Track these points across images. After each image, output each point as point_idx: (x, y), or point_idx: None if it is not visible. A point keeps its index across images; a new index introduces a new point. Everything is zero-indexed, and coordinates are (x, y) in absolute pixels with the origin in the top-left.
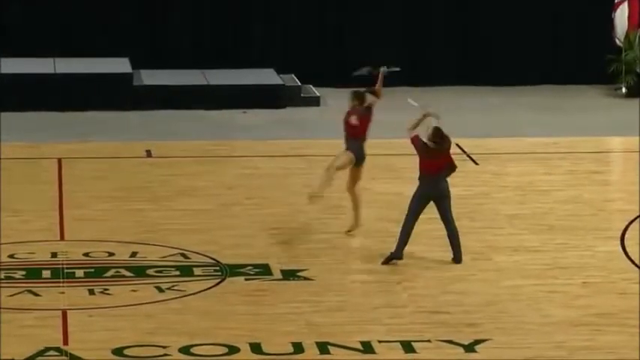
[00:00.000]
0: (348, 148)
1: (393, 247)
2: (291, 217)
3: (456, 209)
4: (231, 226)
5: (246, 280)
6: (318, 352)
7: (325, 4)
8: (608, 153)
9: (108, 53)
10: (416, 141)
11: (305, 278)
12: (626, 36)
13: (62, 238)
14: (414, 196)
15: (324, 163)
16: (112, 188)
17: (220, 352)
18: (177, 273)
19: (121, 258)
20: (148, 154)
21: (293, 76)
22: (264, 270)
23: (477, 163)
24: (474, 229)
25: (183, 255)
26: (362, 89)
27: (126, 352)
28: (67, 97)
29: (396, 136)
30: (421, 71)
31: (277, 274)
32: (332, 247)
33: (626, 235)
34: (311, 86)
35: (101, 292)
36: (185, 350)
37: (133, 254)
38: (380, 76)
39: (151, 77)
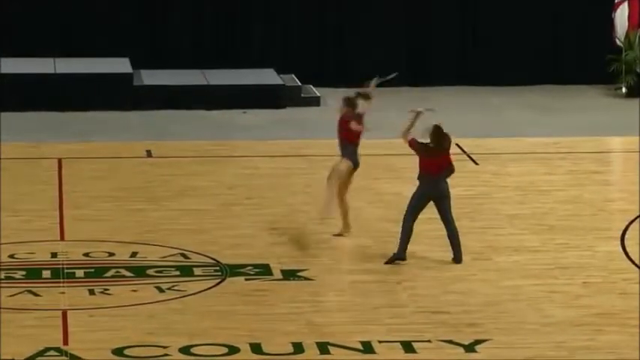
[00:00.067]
0: (343, 155)
1: (393, 247)
2: (291, 217)
3: (456, 209)
4: (231, 226)
5: (246, 280)
6: (318, 352)
7: (325, 4)
8: (609, 153)
9: (108, 53)
10: (413, 144)
11: (305, 278)
12: (626, 36)
13: (62, 238)
14: (413, 196)
15: (325, 163)
16: (112, 188)
17: (220, 352)
18: (178, 273)
19: (121, 258)
20: (148, 154)
21: (293, 76)
22: (264, 270)
23: (477, 163)
24: (474, 229)
25: (183, 255)
26: (352, 95)
27: (126, 352)
28: (67, 97)
29: (396, 136)
30: (421, 71)
31: (277, 274)
32: (332, 247)
33: (627, 235)
34: (311, 86)
35: (101, 292)
36: (185, 350)
37: (133, 254)
38: (372, 84)
39: (151, 77)
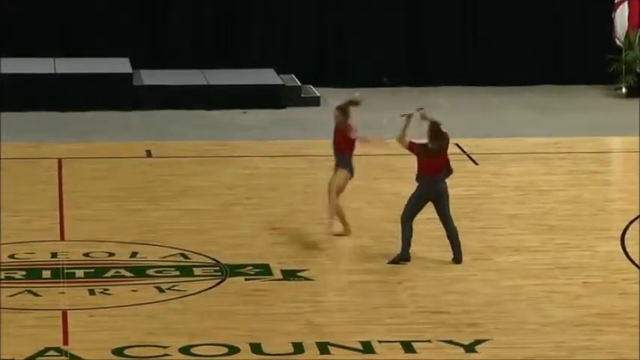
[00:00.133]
0: (339, 164)
1: (393, 247)
2: (291, 217)
3: (456, 209)
4: (231, 226)
5: (246, 280)
6: (319, 352)
7: (325, 4)
8: (609, 153)
9: (108, 53)
10: (413, 146)
11: (305, 278)
12: (626, 36)
13: (62, 238)
14: (411, 197)
15: (325, 163)
16: (112, 188)
17: (220, 352)
18: (178, 273)
19: (121, 258)
20: (148, 154)
21: (293, 76)
22: (264, 270)
23: (477, 163)
24: (474, 229)
25: (183, 255)
26: (344, 103)
27: (126, 352)
28: (67, 97)
29: (395, 140)
30: (421, 71)
31: (277, 274)
32: (332, 247)
33: (627, 235)
34: (311, 86)
35: (101, 293)
36: (185, 350)
37: (133, 254)
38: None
39: (151, 77)
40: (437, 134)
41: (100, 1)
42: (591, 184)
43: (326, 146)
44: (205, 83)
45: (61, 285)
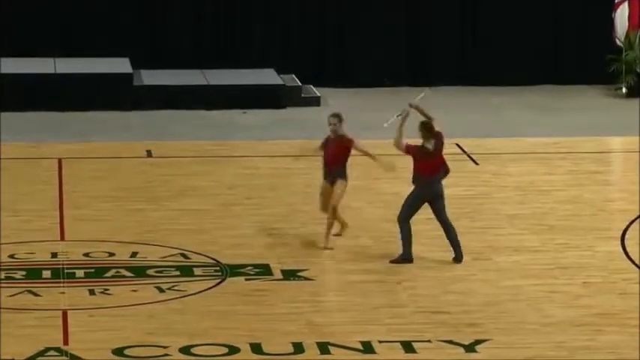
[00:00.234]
0: (337, 176)
1: (393, 247)
2: (291, 217)
3: (456, 209)
4: (231, 226)
5: (246, 280)
6: (319, 352)
7: (325, 4)
8: (609, 153)
9: (108, 53)
10: (410, 149)
11: (305, 278)
12: (627, 36)
13: (62, 238)
14: (408, 198)
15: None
16: (112, 188)
17: (220, 352)
18: (178, 273)
19: (121, 258)
20: (148, 154)
21: (293, 76)
22: (264, 270)
23: (477, 163)
24: (474, 229)
25: (183, 255)
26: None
27: (126, 352)
28: (67, 97)
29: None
30: (421, 71)
31: (277, 274)
32: (332, 247)
33: (627, 235)
34: (311, 86)
35: (101, 293)
36: (185, 350)
37: (133, 254)
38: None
39: (151, 77)
40: (430, 134)
41: (100, 1)
42: (591, 184)
43: None
44: (205, 83)
45: (61, 285)
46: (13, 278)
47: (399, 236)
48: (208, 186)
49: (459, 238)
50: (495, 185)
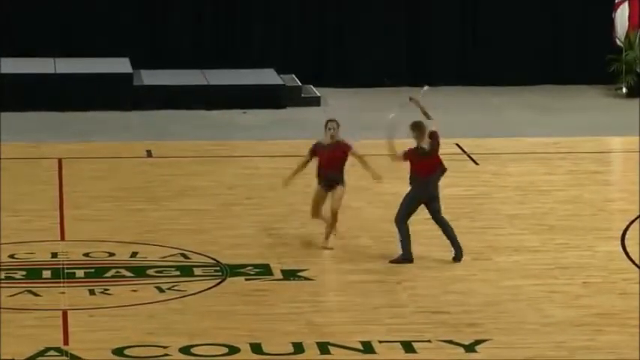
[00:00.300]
0: (338, 182)
1: (393, 247)
2: (291, 217)
3: (456, 209)
4: (231, 226)
5: (246, 280)
6: (319, 352)
7: (325, 4)
8: (609, 153)
9: (108, 53)
10: (408, 155)
11: (305, 278)
12: (627, 36)
13: (62, 238)
14: (405, 199)
15: None
16: (112, 188)
17: (220, 352)
18: (178, 273)
19: (121, 258)
20: (148, 154)
21: (293, 76)
22: (264, 270)
23: (477, 163)
24: (474, 229)
25: (183, 255)
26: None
27: (126, 352)
28: (67, 97)
29: (397, 137)
30: (421, 71)
31: (277, 274)
32: (332, 247)
33: (627, 235)
34: (311, 86)
35: (101, 293)
36: (185, 350)
37: (133, 254)
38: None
39: (151, 77)
40: (422, 133)
41: (100, 1)
42: (591, 184)
43: None
44: (205, 83)
45: (61, 285)
46: (13, 278)
47: (398, 237)
48: (208, 186)
49: (459, 238)
50: (495, 185)
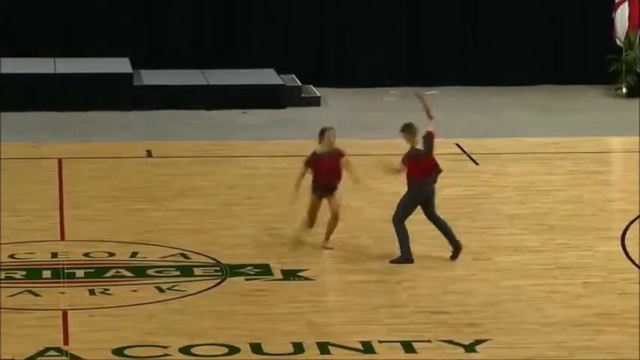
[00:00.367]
0: (334, 189)
1: (393, 247)
2: (291, 217)
3: (456, 209)
4: (231, 226)
5: (246, 280)
6: (319, 352)
7: (325, 4)
8: (609, 153)
9: (108, 53)
10: (405, 161)
11: (305, 278)
12: (627, 36)
13: (62, 238)
14: (402, 200)
15: None
16: (112, 188)
17: (220, 352)
18: (178, 273)
19: (121, 258)
20: (148, 154)
21: (293, 76)
22: (264, 270)
23: (477, 163)
24: (474, 229)
25: (183, 255)
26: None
27: (126, 352)
28: (67, 97)
29: (396, 137)
30: (421, 71)
31: (277, 274)
32: (332, 247)
33: (627, 235)
34: (311, 86)
35: (101, 293)
36: (185, 350)
37: (133, 254)
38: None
39: (151, 77)
40: (414, 135)
41: (100, 1)
42: (591, 184)
43: None
44: (205, 83)
45: (61, 285)
46: (13, 278)
47: (395, 238)
48: (208, 186)
49: (459, 238)
50: (495, 185)
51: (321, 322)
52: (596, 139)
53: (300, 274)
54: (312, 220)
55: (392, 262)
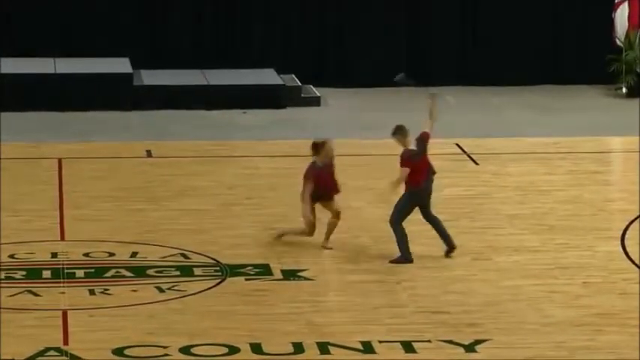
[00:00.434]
0: (332, 200)
1: (393, 247)
2: (291, 217)
3: (455, 209)
4: (231, 226)
5: (246, 280)
6: (319, 352)
7: (325, 4)
8: (609, 153)
9: (108, 53)
10: (406, 163)
11: (305, 278)
12: (627, 36)
13: (62, 238)
14: (399, 201)
15: None
16: (112, 188)
17: (220, 352)
18: (178, 273)
19: (121, 258)
20: (148, 154)
21: (293, 76)
22: (264, 270)
23: (477, 163)
24: (474, 229)
25: (183, 255)
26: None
27: (126, 352)
28: (67, 97)
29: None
30: (421, 71)
31: (277, 274)
32: (332, 247)
33: (627, 235)
34: (311, 86)
35: (101, 293)
36: (185, 350)
37: (133, 254)
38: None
39: (151, 77)
40: (406, 136)
41: (100, 1)
42: (591, 184)
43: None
44: (205, 83)
45: (61, 285)
46: (13, 278)
47: (394, 238)
48: (208, 186)
49: (459, 238)
50: (495, 185)
51: (321, 322)
52: (596, 139)
53: (300, 274)
54: (311, 228)
55: (392, 262)
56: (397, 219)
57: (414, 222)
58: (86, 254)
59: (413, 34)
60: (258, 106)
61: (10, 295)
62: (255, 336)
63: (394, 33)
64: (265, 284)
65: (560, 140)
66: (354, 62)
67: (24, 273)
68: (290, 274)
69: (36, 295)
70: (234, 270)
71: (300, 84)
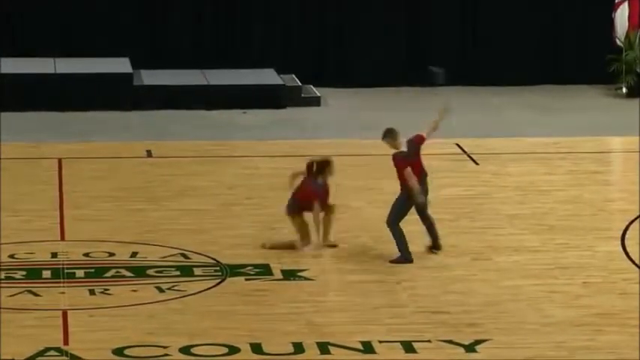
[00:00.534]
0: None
1: (392, 247)
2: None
3: (455, 209)
4: (231, 226)
5: (246, 280)
6: (319, 352)
7: (325, 4)
8: (609, 153)
9: (108, 53)
10: (406, 163)
11: (305, 278)
12: (627, 36)
13: (62, 238)
14: (396, 202)
15: None
16: (112, 188)
17: (220, 352)
18: (178, 273)
19: (121, 258)
20: (148, 154)
21: (293, 76)
22: (264, 270)
23: (477, 163)
24: (474, 229)
25: (183, 255)
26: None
27: (126, 352)
28: (67, 97)
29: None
30: (421, 71)
31: (277, 274)
32: (335, 242)
33: (627, 235)
34: (311, 86)
35: (101, 293)
36: (185, 350)
37: (133, 254)
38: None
39: (151, 77)
40: (395, 139)
41: (100, 1)
42: (591, 184)
43: (326, 146)
44: (205, 83)
45: (61, 285)
46: (13, 278)
47: (393, 239)
48: (208, 186)
49: (459, 238)
50: (495, 185)
51: (321, 322)
52: (596, 139)
53: (300, 274)
54: (305, 234)
55: (392, 262)
56: (394, 220)
57: (413, 222)
58: (86, 254)
59: (413, 34)
60: (258, 106)
61: (10, 295)
62: (255, 336)
63: (394, 33)
64: (265, 284)
65: (560, 140)
66: (354, 62)
67: (24, 273)
68: (290, 274)
69: (36, 295)
70: (234, 270)
71: (300, 84)
